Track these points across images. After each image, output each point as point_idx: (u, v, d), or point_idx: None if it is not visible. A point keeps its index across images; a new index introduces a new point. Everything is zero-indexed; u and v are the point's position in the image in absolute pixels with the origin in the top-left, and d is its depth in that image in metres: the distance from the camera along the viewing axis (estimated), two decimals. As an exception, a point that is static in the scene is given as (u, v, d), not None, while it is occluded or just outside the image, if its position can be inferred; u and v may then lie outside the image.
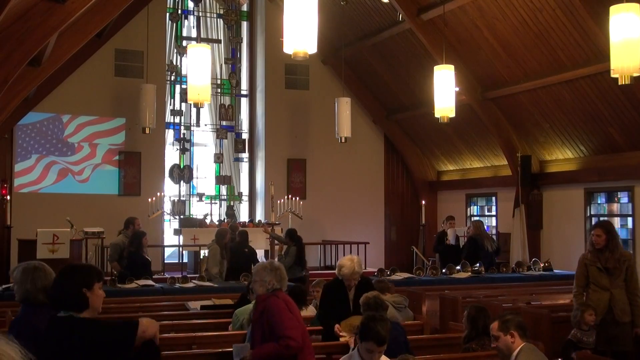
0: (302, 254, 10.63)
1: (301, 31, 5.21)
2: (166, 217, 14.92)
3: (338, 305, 6.03)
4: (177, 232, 13.91)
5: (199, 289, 8.96)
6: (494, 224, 14.73)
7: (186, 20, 15.84)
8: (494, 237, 13.09)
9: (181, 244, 13.57)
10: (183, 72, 14.88)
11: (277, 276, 4.78)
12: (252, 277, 4.95)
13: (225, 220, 14.25)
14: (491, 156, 14.61)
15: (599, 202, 12.47)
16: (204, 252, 11.90)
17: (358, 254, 13.75)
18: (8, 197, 12.50)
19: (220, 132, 15.62)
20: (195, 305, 7.72)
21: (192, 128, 15.63)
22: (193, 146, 15.76)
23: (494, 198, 14.91)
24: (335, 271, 6.20)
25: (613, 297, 6.05)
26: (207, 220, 14.34)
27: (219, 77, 15.81)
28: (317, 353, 5.67)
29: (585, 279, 6.20)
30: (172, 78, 15.35)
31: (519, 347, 4.21)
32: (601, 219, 11.31)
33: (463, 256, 11.14)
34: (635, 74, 6.80)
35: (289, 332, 4.56)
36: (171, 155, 15.37)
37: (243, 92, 16.34)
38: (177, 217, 14.63)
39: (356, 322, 5.68)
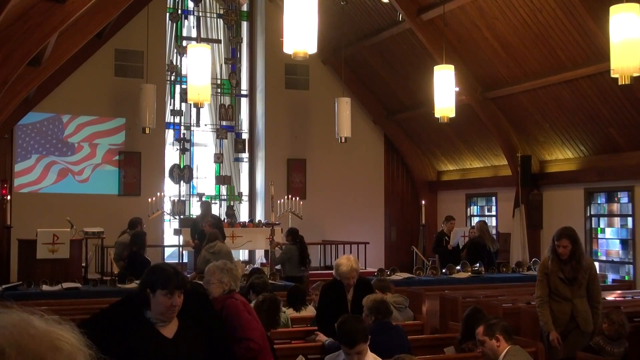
0: (304, 254, 10.60)
1: (301, 31, 5.22)
2: (166, 217, 14.91)
3: (336, 307, 5.98)
4: (177, 232, 13.92)
5: (199, 289, 8.94)
6: (494, 224, 14.72)
7: (186, 20, 15.83)
8: (494, 237, 13.09)
9: (181, 244, 13.56)
10: (183, 72, 14.87)
11: (232, 277, 4.65)
12: (206, 278, 4.70)
13: (225, 220, 14.23)
14: (491, 156, 14.61)
15: (599, 202, 12.47)
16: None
17: (358, 254, 13.79)
18: (8, 197, 12.49)
19: (220, 132, 15.61)
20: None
21: (192, 128, 15.62)
22: (193, 146, 15.75)
23: (494, 198, 14.91)
24: (333, 272, 6.16)
25: (575, 308, 5.77)
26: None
27: (219, 77, 15.81)
28: (316, 354, 5.67)
29: (547, 288, 5.84)
30: (172, 78, 15.34)
31: (505, 350, 4.21)
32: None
33: (464, 257, 11.13)
34: (635, 74, 6.80)
35: (249, 334, 4.46)
36: (171, 155, 15.36)
37: (243, 92, 16.34)
38: (177, 217, 14.62)
39: None
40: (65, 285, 8.66)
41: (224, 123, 15.76)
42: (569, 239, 5.72)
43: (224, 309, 4.53)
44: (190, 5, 15.71)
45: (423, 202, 14.84)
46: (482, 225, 11.50)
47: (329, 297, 6.12)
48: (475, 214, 15.50)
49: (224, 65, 15.89)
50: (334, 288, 6.10)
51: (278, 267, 10.86)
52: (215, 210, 15.16)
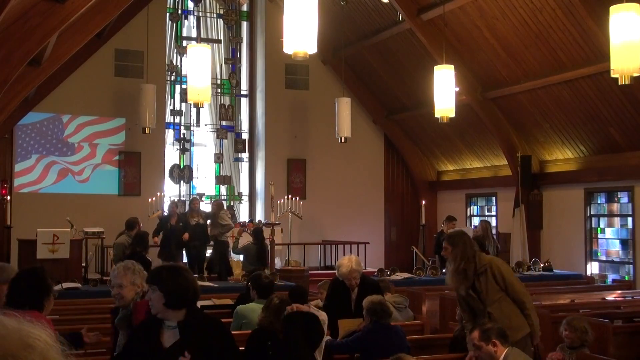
0: (262, 255, 10.75)
1: (301, 31, 5.22)
2: (166, 217, 14.89)
3: (340, 306, 6.00)
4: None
5: (199, 289, 8.95)
6: (494, 224, 14.70)
7: (186, 20, 15.84)
8: (495, 236, 13.10)
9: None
10: (183, 72, 14.89)
11: (144, 277, 4.14)
12: (114, 281, 4.18)
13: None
14: (491, 156, 14.61)
15: (599, 202, 12.47)
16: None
17: (358, 254, 13.77)
18: (8, 197, 12.50)
19: (220, 132, 15.62)
20: (195, 305, 7.69)
21: (192, 128, 15.63)
22: (193, 146, 15.76)
23: (494, 198, 14.91)
24: (335, 271, 6.19)
25: (493, 318, 4.70)
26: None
27: (219, 77, 15.81)
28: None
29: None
30: (172, 78, 15.35)
31: (504, 353, 4.19)
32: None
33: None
34: (635, 74, 6.81)
35: None
36: (171, 155, 15.37)
37: (243, 92, 16.34)
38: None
39: (352, 326, 5.65)
40: (65, 285, 8.66)
41: (224, 123, 15.77)
42: (446, 241, 4.94)
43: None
44: (190, 5, 15.72)
45: (423, 202, 14.85)
46: (486, 225, 11.49)
47: (334, 293, 6.15)
48: (475, 214, 15.50)
49: (224, 65, 15.90)
50: (340, 287, 6.12)
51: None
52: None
